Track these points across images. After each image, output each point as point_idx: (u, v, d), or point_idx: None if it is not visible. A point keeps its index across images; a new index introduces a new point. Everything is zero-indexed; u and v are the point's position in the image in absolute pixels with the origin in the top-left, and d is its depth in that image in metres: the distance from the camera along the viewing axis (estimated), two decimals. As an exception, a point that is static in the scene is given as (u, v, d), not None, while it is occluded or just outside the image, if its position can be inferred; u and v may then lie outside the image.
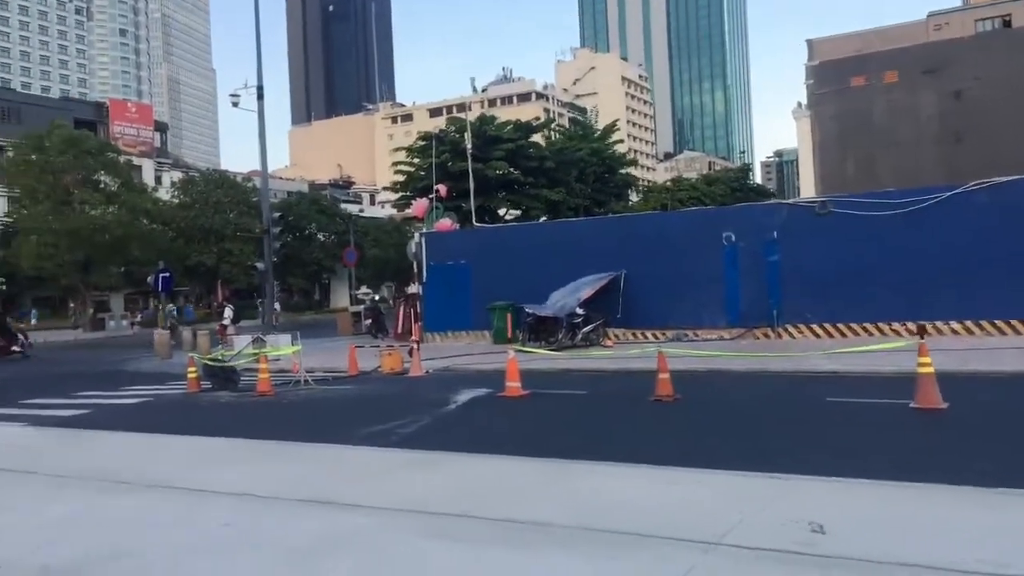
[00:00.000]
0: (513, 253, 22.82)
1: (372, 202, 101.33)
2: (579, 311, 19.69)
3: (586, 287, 20.27)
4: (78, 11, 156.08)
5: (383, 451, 7.79)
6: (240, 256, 52.10)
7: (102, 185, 43.65)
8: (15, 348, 26.98)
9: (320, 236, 63.34)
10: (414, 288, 28.08)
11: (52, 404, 13.90)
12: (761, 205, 28.97)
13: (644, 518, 4.90)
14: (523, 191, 41.01)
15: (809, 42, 65.07)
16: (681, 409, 10.10)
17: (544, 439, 8.65)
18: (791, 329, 19.16)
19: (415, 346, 16.81)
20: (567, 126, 58.04)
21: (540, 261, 22.01)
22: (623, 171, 52.13)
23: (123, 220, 42.30)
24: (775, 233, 19.48)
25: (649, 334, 20.53)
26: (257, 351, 15.17)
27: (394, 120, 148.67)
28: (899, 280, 17.93)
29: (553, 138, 49.07)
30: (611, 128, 51.00)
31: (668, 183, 67.27)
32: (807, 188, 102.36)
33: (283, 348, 15.56)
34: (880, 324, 18.18)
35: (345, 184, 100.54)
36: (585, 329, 19.70)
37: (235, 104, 22.70)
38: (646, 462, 6.71)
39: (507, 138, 40.03)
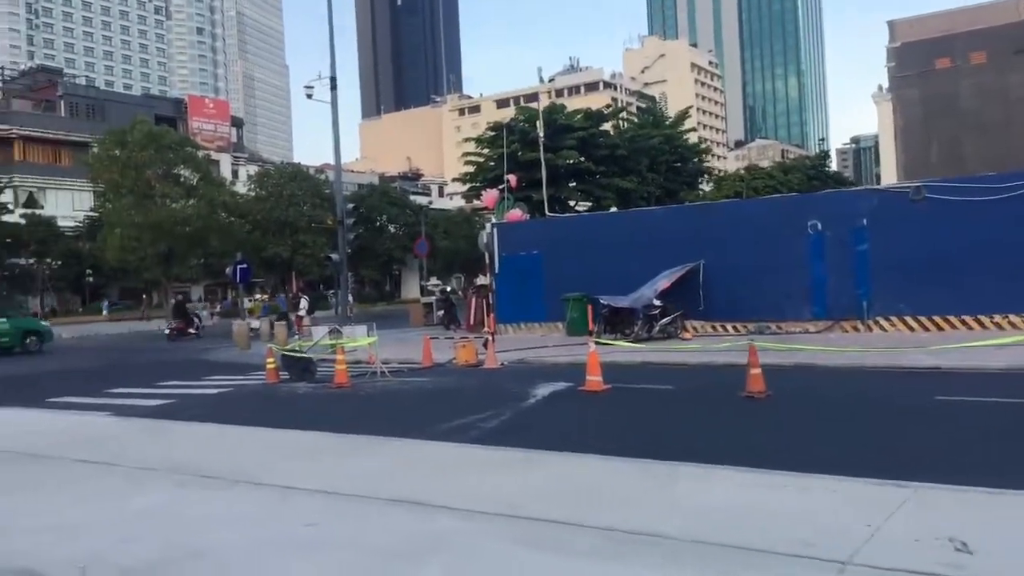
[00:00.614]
0: (587, 243, 22.36)
1: (441, 194, 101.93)
2: (656, 302, 19.15)
3: (663, 278, 19.71)
4: (157, 11, 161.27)
5: (467, 447, 7.51)
6: (313, 248, 52.91)
7: (182, 179, 44.80)
8: (191, 330, 30.68)
9: (391, 228, 63.94)
10: (483, 279, 27.99)
11: (136, 394, 14.12)
12: (849, 191, 27.78)
13: (759, 530, 4.47)
14: (594, 180, 40.38)
15: (890, 23, 62.51)
16: (775, 406, 9.56)
17: (635, 437, 8.24)
18: (882, 322, 18.25)
19: (490, 338, 16.57)
20: (635, 115, 57.05)
21: (615, 251, 21.51)
22: (695, 159, 50.99)
23: (202, 213, 43.34)
24: (865, 220, 18.55)
25: (729, 326, 19.85)
26: (334, 342, 15.14)
27: (461, 112, 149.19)
28: (1000, 270, 16.84)
29: (622, 127, 48.24)
30: (683, 115, 49.88)
31: (742, 171, 65.53)
32: (888, 175, 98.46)
33: (359, 339, 15.50)
34: (980, 317, 17.15)
35: (414, 176, 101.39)
36: (663, 321, 19.14)
37: (309, 96, 22.83)
38: (748, 464, 6.26)
39: (577, 127, 39.45)
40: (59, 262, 53.50)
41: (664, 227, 21.59)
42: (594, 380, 11.26)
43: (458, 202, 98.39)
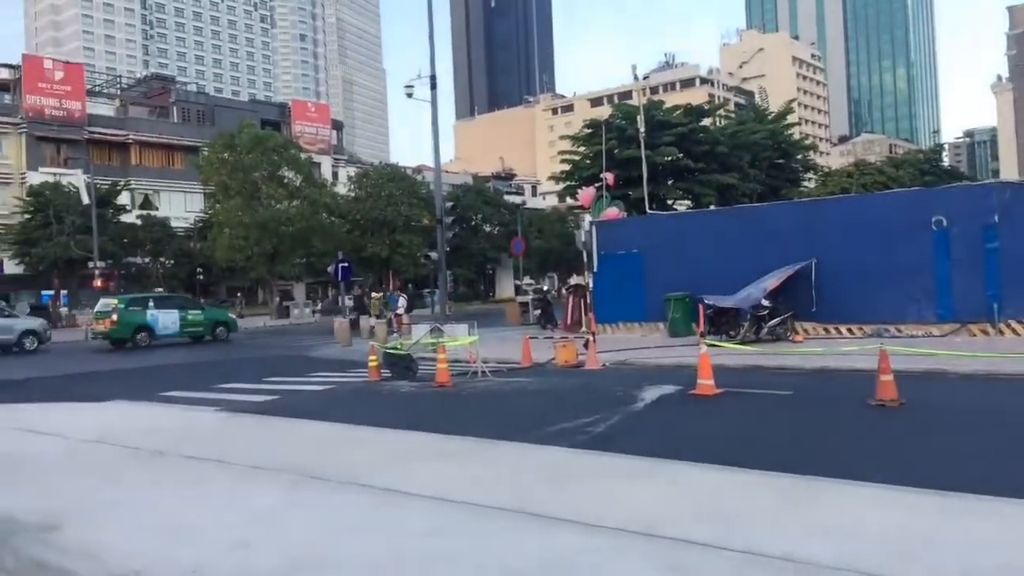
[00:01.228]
0: (689, 241, 21.66)
1: (534, 193, 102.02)
2: (765, 302, 18.29)
3: (771, 277, 18.83)
4: (263, 19, 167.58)
5: (582, 454, 7.13)
6: (410, 247, 53.64)
7: (286, 181, 46.20)
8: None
9: (486, 227, 64.24)
10: (577, 279, 27.56)
11: (243, 389, 14.38)
12: (979, 185, 26.01)
13: (930, 563, 3.94)
14: (693, 177, 39.30)
15: (1010, 9, 58.55)
16: (910, 416, 8.80)
17: (761, 447, 7.67)
18: (1015, 325, 16.88)
19: (591, 338, 16.14)
20: (733, 111, 55.32)
21: (719, 249, 20.74)
22: (799, 155, 49.01)
23: (305, 213, 44.59)
24: (996, 216, 17.20)
25: (843, 329, 18.79)
26: (435, 341, 15.04)
27: (554, 111, 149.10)
28: None
29: (719, 123, 46.80)
30: (787, 109, 48.05)
31: (850, 167, 62.72)
32: (1007, 170, 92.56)
33: (460, 338, 15.36)
34: None
35: (507, 176, 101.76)
36: (772, 322, 18.27)
37: (409, 95, 22.97)
38: (892, 481, 5.66)
39: (676, 123, 38.46)
40: (172, 261, 56.08)
41: (773, 224, 20.63)
42: (706, 384, 10.70)
43: (551, 201, 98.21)
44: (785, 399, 10.43)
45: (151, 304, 29.08)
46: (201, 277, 56.32)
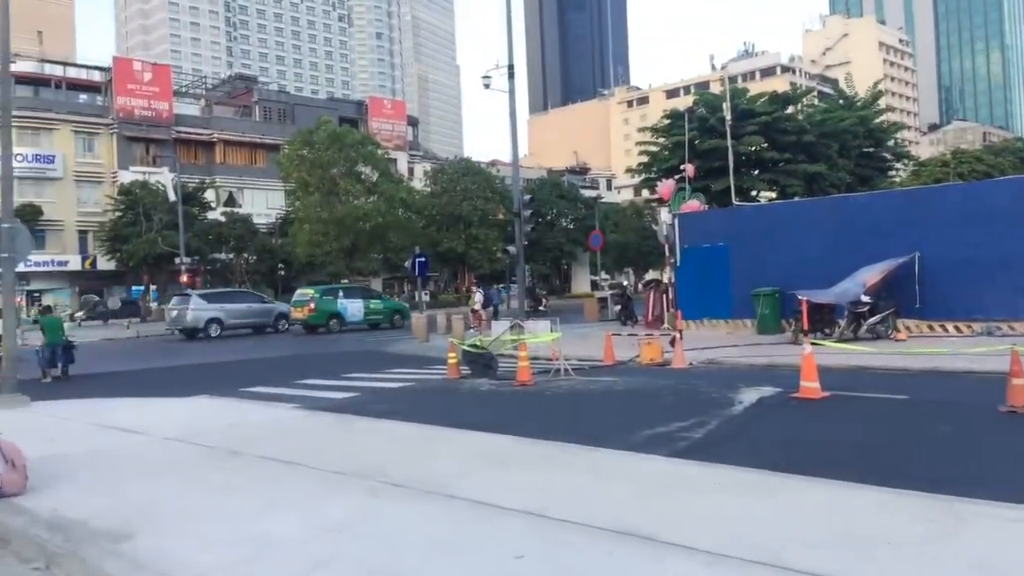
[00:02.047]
0: (779, 233, 20.64)
1: (609, 187, 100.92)
2: (864, 298, 17.19)
3: (871, 271, 17.70)
4: (341, 19, 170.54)
5: (683, 464, 6.52)
6: (486, 242, 53.46)
7: (363, 177, 46.58)
8: (540, 308, 33.74)
9: (562, 222, 63.65)
10: (653, 274, 26.79)
11: (322, 385, 14.21)
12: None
13: None
14: (778, 168, 37.76)
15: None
16: (1050, 426, 7.88)
17: (884, 459, 6.89)
18: None
19: (678, 336, 15.42)
20: (816, 98, 53.01)
21: (812, 242, 19.70)
22: (890, 142, 46.65)
23: (382, 209, 44.88)
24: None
25: (950, 327, 17.55)
26: (515, 337, 14.58)
27: (629, 104, 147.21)
28: None
29: (802, 110, 44.79)
30: (877, 94, 45.79)
31: (946, 155, 59.54)
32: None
33: (542, 335, 14.85)
34: None
35: (581, 170, 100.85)
36: (871, 320, 17.17)
37: (487, 85, 22.61)
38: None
39: (760, 111, 37.00)
40: (254, 257, 57.37)
41: (869, 215, 19.41)
42: (811, 386, 9.91)
43: (626, 195, 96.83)
44: (901, 404, 9.56)
45: (341, 294, 31.81)
46: (282, 273, 57.44)
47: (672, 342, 15.64)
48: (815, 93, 46.61)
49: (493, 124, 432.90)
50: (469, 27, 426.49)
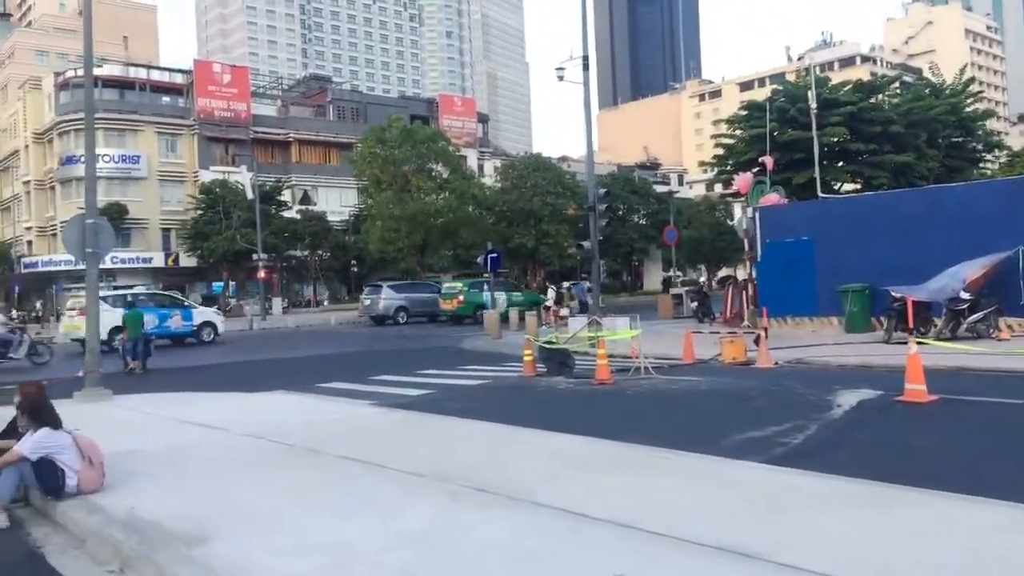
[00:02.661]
0: (868, 227, 19.61)
1: (680, 182, 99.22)
2: (964, 295, 16.15)
3: (971, 267, 16.62)
4: (412, 18, 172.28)
5: (785, 472, 6.01)
6: (556, 238, 53.04)
7: (434, 173, 46.73)
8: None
9: (634, 217, 62.74)
10: (726, 270, 25.96)
11: (397, 381, 14.06)
12: None
13: None
14: (863, 159, 36.14)
15: None
16: None
17: (1011, 472, 6.25)
18: None
19: (763, 334, 14.74)
20: (898, 87, 50.41)
21: (904, 236, 18.64)
22: (980, 131, 44.18)
23: (453, 205, 44.93)
24: None
25: (1059, 325, 16.34)
26: (594, 334, 14.15)
27: (701, 98, 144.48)
28: None
29: (885, 100, 42.70)
30: (968, 81, 43.44)
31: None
32: None
33: (621, 332, 14.38)
34: None
35: (652, 165, 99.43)
36: (972, 318, 16.09)
37: (561, 78, 22.27)
38: None
39: (844, 101, 35.47)
40: (328, 253, 58.30)
41: (968, 207, 18.23)
42: (917, 389, 9.21)
43: (698, 190, 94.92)
44: (1020, 409, 8.78)
45: (485, 287, 33.39)
46: (355, 269, 58.22)
47: (756, 340, 14.98)
48: (899, 82, 44.39)
49: (562, 121, 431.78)
50: (538, 24, 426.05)
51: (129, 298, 23.53)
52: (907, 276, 17.37)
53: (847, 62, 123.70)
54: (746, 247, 24.02)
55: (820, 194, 28.47)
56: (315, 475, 6.42)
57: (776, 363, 14.30)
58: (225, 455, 7.45)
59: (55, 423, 6.32)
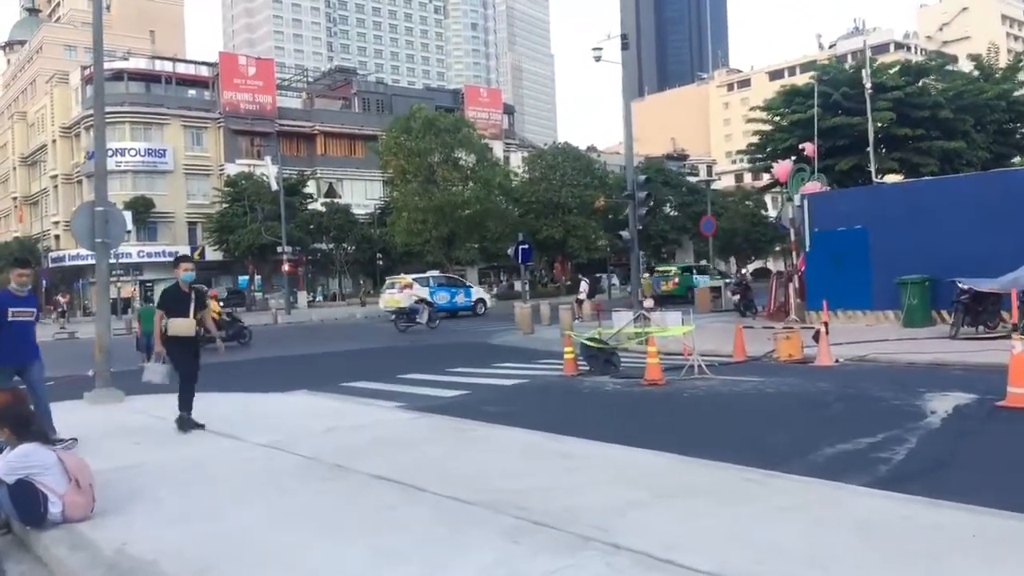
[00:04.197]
0: (928, 214, 18.35)
1: (709, 173, 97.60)
2: (1043, 288, 14.87)
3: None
4: (436, 10, 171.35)
5: (908, 501, 4.87)
6: (584, 230, 51.89)
7: (461, 163, 45.76)
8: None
9: (665, 208, 61.42)
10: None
11: (427, 381, 13.10)
12: None
13: None
14: (909, 146, 34.52)
15: None
16: None
17: None
18: None
19: (822, 329, 13.57)
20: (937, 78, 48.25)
21: (970, 224, 17.42)
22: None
23: (479, 196, 43.94)
24: None
25: None
26: (642, 330, 13.08)
27: (730, 87, 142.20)
28: None
29: (928, 85, 40.84)
30: (1017, 63, 41.54)
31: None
32: None
33: (672, 328, 13.28)
34: None
35: (680, 156, 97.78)
36: (1051, 312, 14.82)
37: (597, 59, 21.16)
38: None
39: (892, 85, 33.90)
40: (353, 247, 57.56)
41: (1040, 191, 16.95)
42: (1020, 394, 8.07)
43: (727, 182, 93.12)
44: None
45: (694, 271, 37.69)
46: (380, 262, 57.47)
47: (815, 336, 13.83)
48: (945, 67, 42.49)
49: (586, 114, 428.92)
50: (563, 16, 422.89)
51: (430, 282, 34.16)
52: (973, 267, 16.18)
53: (880, 49, 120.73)
54: (791, 236, 22.78)
55: (875, 179, 27.05)
56: (340, 502, 5.44)
57: (837, 360, 13.18)
58: (237, 471, 6.51)
59: (40, 437, 5.42)
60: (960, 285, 15.75)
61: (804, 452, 6.70)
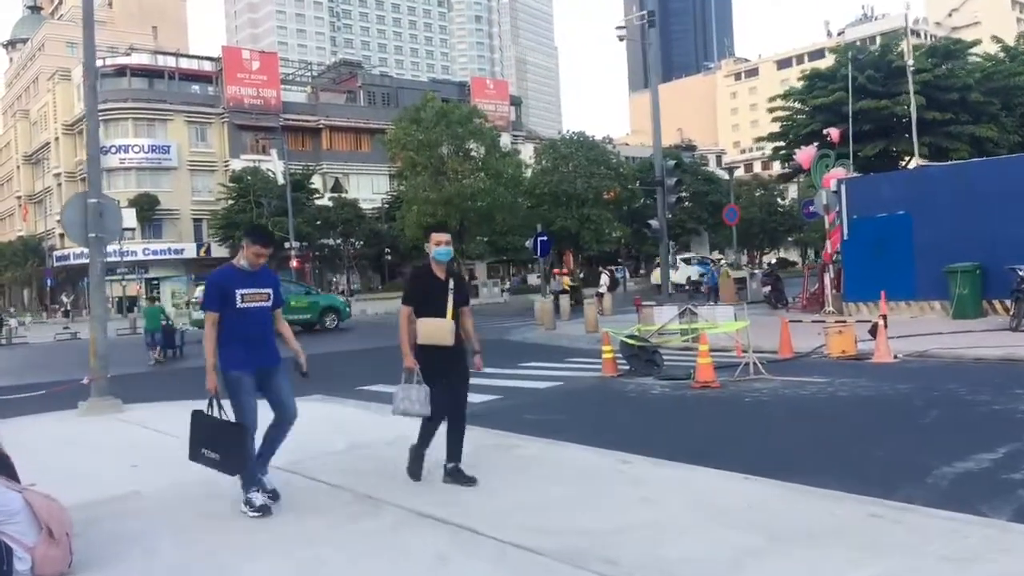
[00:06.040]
0: (977, 198, 17.22)
1: (718, 163, 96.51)
2: (1114, 274, 13.79)
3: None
4: (440, 3, 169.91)
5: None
6: (598, 222, 50.77)
7: (472, 154, 44.72)
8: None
9: (681, 198, 60.38)
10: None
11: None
12: None
13: None
14: (938, 130, 33.32)
15: None
16: None
17: None
18: None
19: (881, 322, 12.50)
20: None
21: (1020, 208, 16.27)
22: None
23: (489, 188, 42.91)
24: None
25: None
26: (689, 326, 12.02)
27: (737, 77, 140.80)
28: None
29: (955, 67, 39.52)
30: (1049, 42, 40.29)
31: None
32: None
33: (724, 324, 12.19)
34: None
35: (687, 147, 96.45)
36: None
37: (621, 38, 20.11)
38: None
39: (918, 68, 32.76)
40: (361, 242, 56.54)
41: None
42: None
43: (737, 172, 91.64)
44: None
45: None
46: (389, 257, 56.48)
47: (872, 330, 12.76)
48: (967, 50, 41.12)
49: (590, 106, 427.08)
50: (566, 8, 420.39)
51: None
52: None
53: (890, 36, 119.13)
54: (826, 224, 21.67)
55: (918, 161, 25.88)
56: (378, 550, 4.41)
57: (896, 357, 12.10)
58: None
59: (5, 471, 4.41)
60: (1020, 272, 14.67)
61: (917, 473, 5.65)
